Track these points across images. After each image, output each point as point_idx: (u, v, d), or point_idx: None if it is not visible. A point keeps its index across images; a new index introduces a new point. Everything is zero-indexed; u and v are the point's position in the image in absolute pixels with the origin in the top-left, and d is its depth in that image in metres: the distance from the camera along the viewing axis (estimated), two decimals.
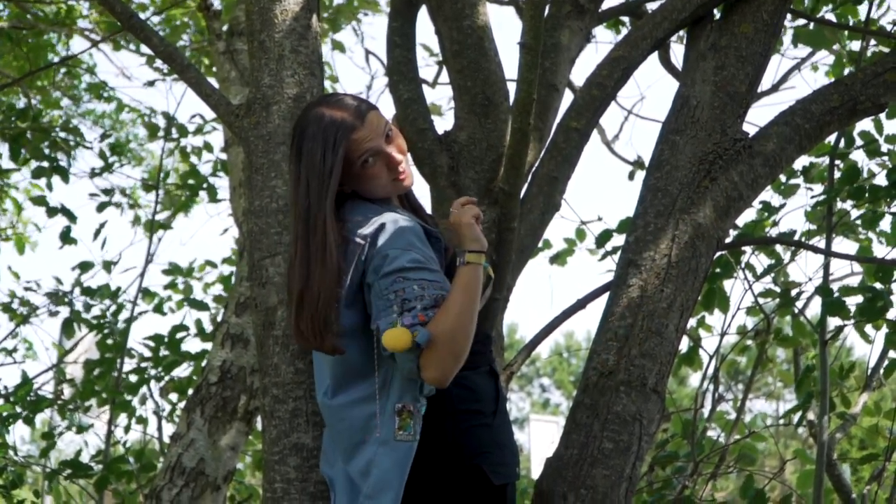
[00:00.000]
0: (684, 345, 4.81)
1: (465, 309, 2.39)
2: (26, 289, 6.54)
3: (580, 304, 3.54)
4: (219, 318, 6.32)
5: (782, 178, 4.89)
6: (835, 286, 4.61)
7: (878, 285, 4.43)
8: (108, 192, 6.88)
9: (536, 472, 3.05)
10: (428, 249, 2.50)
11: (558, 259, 5.56)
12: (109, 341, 6.16)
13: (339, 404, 2.52)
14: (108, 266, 6.44)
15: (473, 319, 2.42)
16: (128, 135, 9.52)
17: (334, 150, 2.52)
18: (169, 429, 6.01)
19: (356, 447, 2.50)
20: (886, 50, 4.51)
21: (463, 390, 2.56)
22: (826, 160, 4.77)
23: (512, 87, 2.99)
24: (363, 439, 2.49)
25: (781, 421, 5.14)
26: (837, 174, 4.66)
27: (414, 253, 2.45)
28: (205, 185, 6.82)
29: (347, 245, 2.49)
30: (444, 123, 13.49)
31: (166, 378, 6.01)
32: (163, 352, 5.98)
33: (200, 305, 6.38)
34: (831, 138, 4.56)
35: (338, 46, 8.05)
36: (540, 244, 5.50)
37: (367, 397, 2.49)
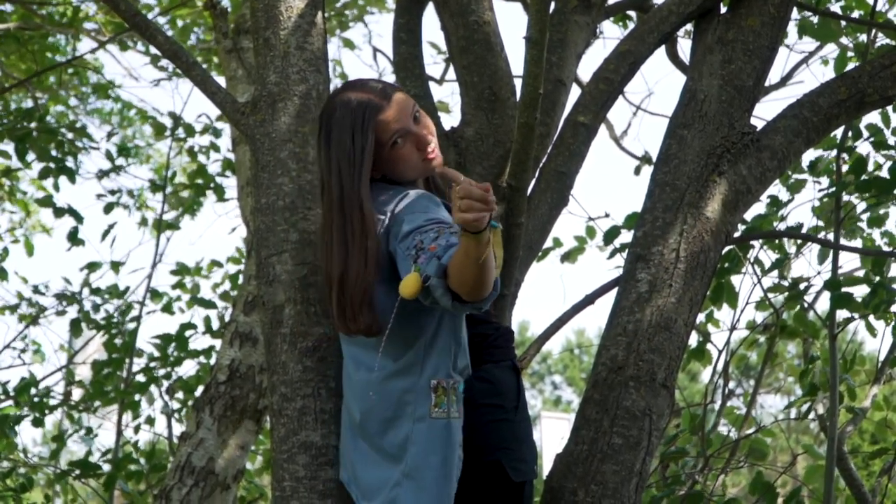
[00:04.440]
0: (693, 340, 4.80)
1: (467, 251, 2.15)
2: (35, 291, 6.55)
3: (589, 300, 3.52)
4: (226, 317, 6.32)
5: (789, 173, 4.86)
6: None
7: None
8: (116, 192, 6.89)
9: (548, 468, 3.04)
10: (444, 212, 2.46)
11: (569, 257, 5.55)
12: (118, 341, 6.17)
13: (375, 378, 2.49)
14: (116, 267, 6.45)
15: (486, 265, 2.17)
16: (135, 132, 9.52)
17: (363, 132, 2.52)
18: (178, 428, 6.02)
19: (390, 422, 2.48)
20: (894, 42, 4.49)
21: (484, 384, 2.55)
22: (833, 153, 4.75)
23: (518, 83, 2.98)
24: (396, 414, 2.47)
25: (791, 413, 5.10)
26: (844, 167, 4.64)
27: (430, 213, 2.42)
28: (212, 185, 6.82)
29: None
30: (451, 120, 13.47)
31: (174, 376, 6.01)
32: (171, 350, 5.99)
33: (209, 304, 6.38)
34: (838, 131, 4.54)
35: (348, 44, 8.05)
36: (550, 242, 5.50)
37: (401, 371, 2.47)
